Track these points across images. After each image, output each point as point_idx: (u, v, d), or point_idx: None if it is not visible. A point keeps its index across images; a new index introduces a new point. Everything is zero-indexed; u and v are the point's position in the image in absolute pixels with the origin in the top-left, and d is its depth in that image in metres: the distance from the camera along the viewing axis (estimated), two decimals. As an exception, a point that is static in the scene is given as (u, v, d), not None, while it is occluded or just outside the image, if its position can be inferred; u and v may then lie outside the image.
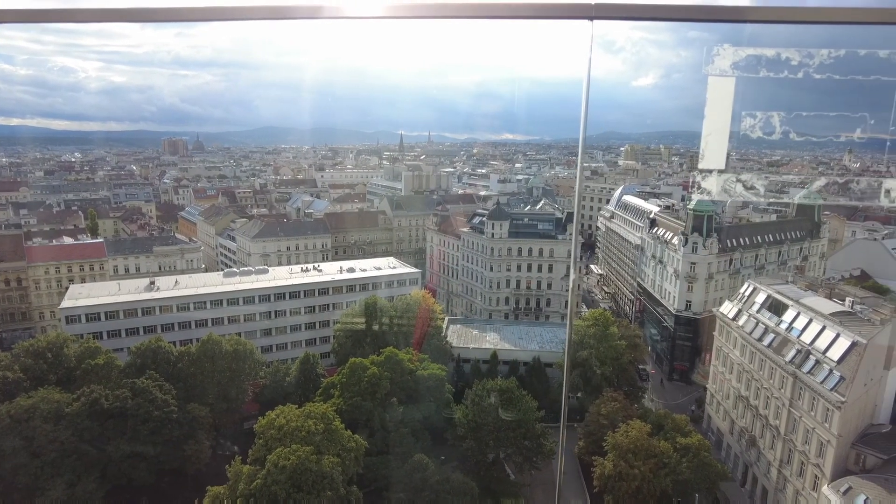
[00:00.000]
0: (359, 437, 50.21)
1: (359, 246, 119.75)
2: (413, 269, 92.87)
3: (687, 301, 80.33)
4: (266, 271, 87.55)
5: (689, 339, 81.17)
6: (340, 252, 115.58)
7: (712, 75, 5.68)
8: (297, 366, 65.33)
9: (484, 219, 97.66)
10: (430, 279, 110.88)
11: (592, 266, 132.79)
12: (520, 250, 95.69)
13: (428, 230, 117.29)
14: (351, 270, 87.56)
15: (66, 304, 72.95)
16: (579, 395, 69.20)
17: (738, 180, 7.31)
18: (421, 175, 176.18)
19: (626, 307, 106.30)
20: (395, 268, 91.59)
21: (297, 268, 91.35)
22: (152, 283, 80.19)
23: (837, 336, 49.62)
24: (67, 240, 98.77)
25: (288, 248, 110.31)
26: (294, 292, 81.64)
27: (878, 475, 44.52)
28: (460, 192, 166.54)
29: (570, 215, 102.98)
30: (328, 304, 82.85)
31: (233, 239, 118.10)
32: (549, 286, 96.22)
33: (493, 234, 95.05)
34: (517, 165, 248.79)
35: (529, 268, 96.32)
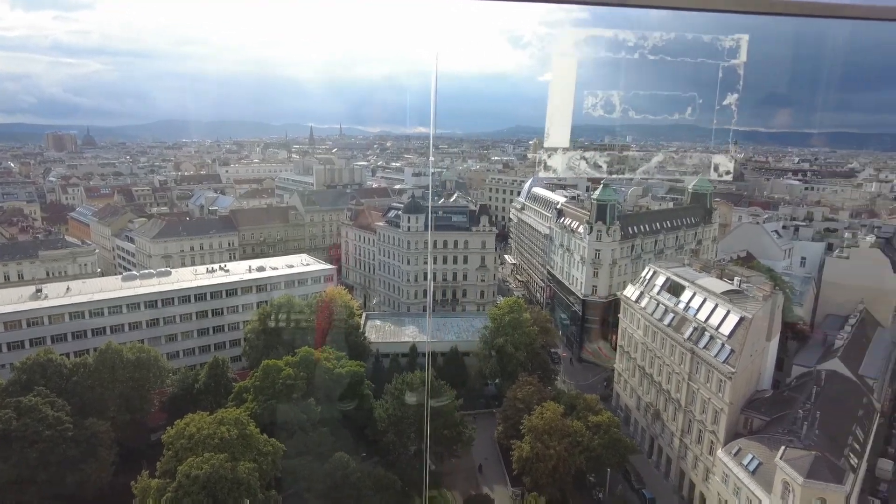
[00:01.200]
0: (276, 441, 48.75)
1: (268, 243, 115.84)
2: (327, 266, 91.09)
3: (593, 286, 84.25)
4: (169, 273, 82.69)
5: (596, 322, 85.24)
6: (249, 250, 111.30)
7: (555, 55, 5.93)
8: (206, 371, 62.34)
9: (399, 212, 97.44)
10: (345, 275, 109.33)
11: (506, 256, 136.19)
12: (435, 243, 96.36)
13: (342, 225, 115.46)
14: (261, 269, 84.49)
15: (-69, 318, 65.27)
16: (497, 381, 71.03)
17: (583, 157, 7.72)
18: (333, 169, 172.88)
19: (538, 294, 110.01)
20: (308, 265, 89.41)
21: (202, 268, 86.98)
22: (39, 290, 73.45)
23: (728, 313, 53.96)
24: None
25: (192, 249, 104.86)
26: (200, 294, 77.68)
27: (763, 435, 49.00)
28: (374, 185, 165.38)
29: (483, 207, 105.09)
30: (237, 306, 79.56)
31: (131, 240, 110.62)
32: (465, 277, 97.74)
33: (408, 228, 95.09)
34: (430, 159, 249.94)
35: (445, 260, 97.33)
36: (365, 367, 62.72)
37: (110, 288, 76.80)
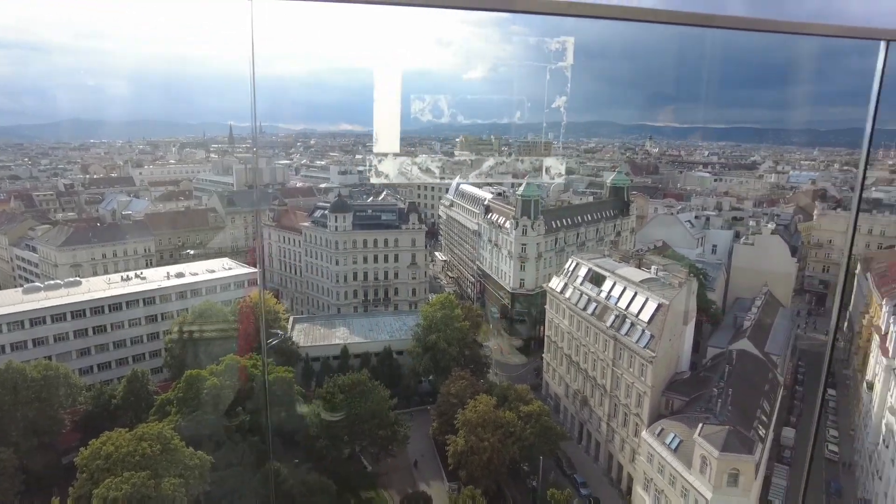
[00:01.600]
0: (203, 454, 46.68)
1: (187, 248, 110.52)
2: (250, 269, 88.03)
3: (520, 279, 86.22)
4: (78, 283, 77.27)
5: (524, 314, 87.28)
6: (167, 256, 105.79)
7: (379, 63, 5.97)
8: (124, 385, 58.83)
9: (326, 212, 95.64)
10: (269, 278, 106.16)
11: (437, 253, 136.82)
12: (365, 242, 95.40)
13: (265, 226, 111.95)
14: (180, 276, 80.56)
15: None
16: (430, 377, 71.27)
17: (414, 163, 7.85)
18: (254, 168, 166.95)
19: (469, 289, 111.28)
20: (230, 269, 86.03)
21: (116, 277, 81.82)
22: (-77, 308, 66.73)
23: (647, 300, 56.63)
24: None
25: (104, 256, 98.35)
26: (115, 304, 73.18)
27: (683, 414, 51.84)
28: (299, 184, 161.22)
29: (412, 205, 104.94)
30: (156, 315, 75.55)
31: (33, 249, 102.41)
32: (396, 276, 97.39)
33: (336, 227, 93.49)
34: (357, 156, 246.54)
35: (376, 259, 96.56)
36: (294, 373, 61.20)
37: (9, 302, 70.82)
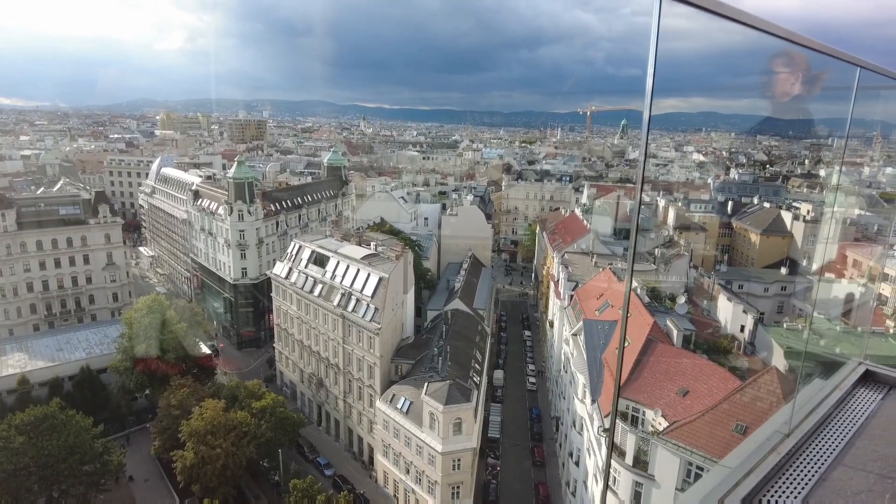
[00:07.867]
0: None
1: None
2: None
3: (242, 269, 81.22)
4: None
5: (251, 305, 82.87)
6: None
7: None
8: None
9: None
10: None
11: (142, 248, 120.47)
12: (39, 244, 78.31)
13: None
14: None
15: None
16: (147, 392, 62.95)
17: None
18: None
19: (185, 286, 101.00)
20: None
21: None
22: None
23: (369, 275, 58.49)
24: None
25: None
26: None
27: (411, 378, 55.40)
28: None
29: (100, 195, 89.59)
30: None
31: None
32: (89, 280, 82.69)
33: (-7, 230, 74.44)
34: (23, 138, 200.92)
35: (58, 263, 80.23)
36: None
37: None
